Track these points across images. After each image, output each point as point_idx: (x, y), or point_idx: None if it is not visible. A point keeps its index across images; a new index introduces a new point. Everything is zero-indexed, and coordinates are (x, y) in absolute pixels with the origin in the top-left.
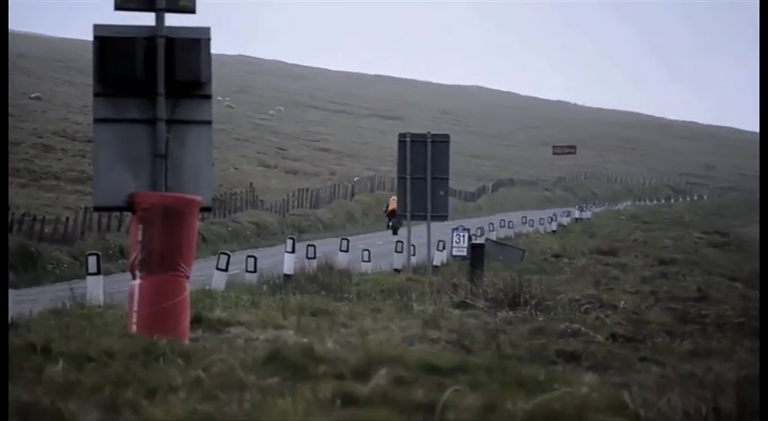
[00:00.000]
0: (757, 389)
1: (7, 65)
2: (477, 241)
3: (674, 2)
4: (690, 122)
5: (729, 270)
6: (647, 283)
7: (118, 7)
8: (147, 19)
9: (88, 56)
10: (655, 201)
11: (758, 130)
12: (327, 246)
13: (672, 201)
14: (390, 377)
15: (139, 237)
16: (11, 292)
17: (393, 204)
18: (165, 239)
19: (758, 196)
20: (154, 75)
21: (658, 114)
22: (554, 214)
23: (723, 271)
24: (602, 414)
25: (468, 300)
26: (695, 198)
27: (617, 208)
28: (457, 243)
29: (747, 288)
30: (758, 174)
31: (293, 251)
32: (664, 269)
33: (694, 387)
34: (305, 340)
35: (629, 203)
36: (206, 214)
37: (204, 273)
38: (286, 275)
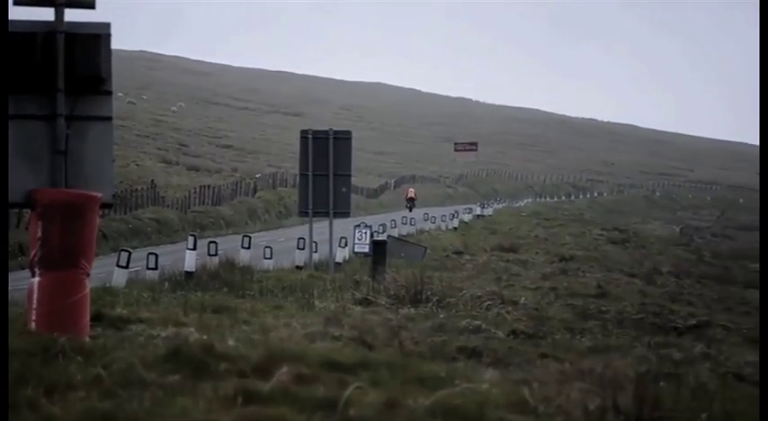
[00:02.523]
0: (656, 385)
1: (7, 64)
2: (380, 238)
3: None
4: (589, 119)
5: (629, 266)
6: (548, 280)
7: (17, 2)
8: (46, 14)
9: None
10: (555, 198)
11: (747, 132)
12: (229, 243)
13: (572, 197)
14: (292, 374)
15: (39, 234)
16: None
17: (410, 194)
18: (65, 236)
19: (658, 194)
20: (54, 70)
21: (559, 111)
22: (456, 211)
23: (622, 267)
24: (502, 410)
25: (370, 297)
26: (595, 195)
27: (518, 205)
28: (359, 240)
29: (646, 284)
30: (657, 171)
31: (195, 248)
32: (564, 266)
33: (594, 383)
34: (206, 337)
35: (529, 200)
36: (106, 211)
37: (105, 271)
38: (187, 272)
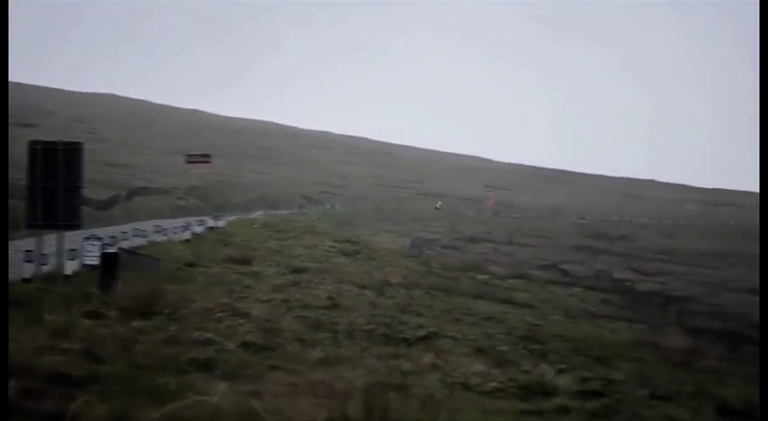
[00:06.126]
0: (385, 395)
1: (7, 67)
2: (110, 250)
3: (285, 15)
4: (323, 132)
5: (359, 278)
6: (280, 292)
7: None
8: None
9: None
10: (288, 210)
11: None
12: None
13: (305, 209)
14: (18, 388)
15: None
16: None
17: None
18: None
19: (388, 206)
20: None
21: (291, 124)
22: (187, 223)
23: (353, 279)
24: None
25: (99, 310)
26: (328, 207)
27: (251, 216)
28: (89, 252)
29: (377, 296)
30: (389, 183)
31: None
32: (296, 277)
33: (324, 394)
34: None
35: (262, 212)
36: None
37: None
38: None
